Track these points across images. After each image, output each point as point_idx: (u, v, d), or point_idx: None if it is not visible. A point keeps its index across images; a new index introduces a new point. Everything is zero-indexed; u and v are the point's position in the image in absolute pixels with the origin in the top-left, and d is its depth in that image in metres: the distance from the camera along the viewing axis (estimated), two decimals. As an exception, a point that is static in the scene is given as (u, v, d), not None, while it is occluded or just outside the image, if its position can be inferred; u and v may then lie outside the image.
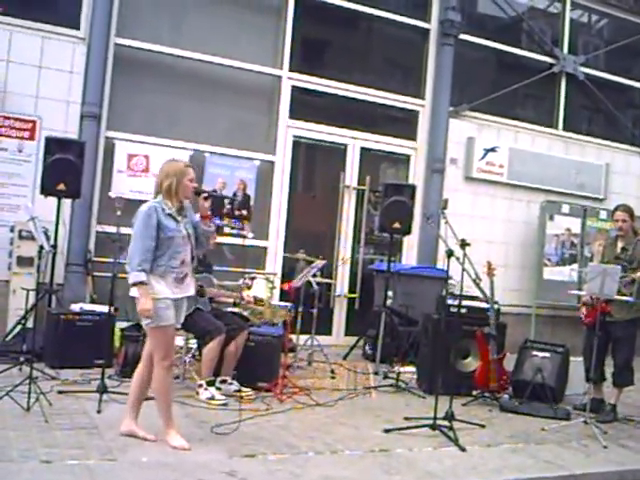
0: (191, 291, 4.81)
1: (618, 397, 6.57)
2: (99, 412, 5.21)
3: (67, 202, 7.48)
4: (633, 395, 7.25)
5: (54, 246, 6.91)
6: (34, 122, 7.93)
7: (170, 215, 4.64)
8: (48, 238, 6.97)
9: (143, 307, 4.49)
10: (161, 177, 4.73)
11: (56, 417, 5.00)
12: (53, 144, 6.97)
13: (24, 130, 7.90)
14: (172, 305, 4.62)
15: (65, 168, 6.83)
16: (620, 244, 6.63)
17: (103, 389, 5.42)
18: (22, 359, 6.15)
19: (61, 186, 6.81)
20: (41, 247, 6.84)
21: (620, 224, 6.60)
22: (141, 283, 4.49)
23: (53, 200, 6.94)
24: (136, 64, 8.65)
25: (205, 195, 4.97)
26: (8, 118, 7.83)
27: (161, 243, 4.58)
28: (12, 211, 7.77)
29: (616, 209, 6.79)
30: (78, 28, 8.22)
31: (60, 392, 5.67)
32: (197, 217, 4.91)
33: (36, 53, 7.96)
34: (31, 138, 7.92)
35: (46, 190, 6.88)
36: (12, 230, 7.66)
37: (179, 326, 4.86)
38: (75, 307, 7.17)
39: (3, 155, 7.82)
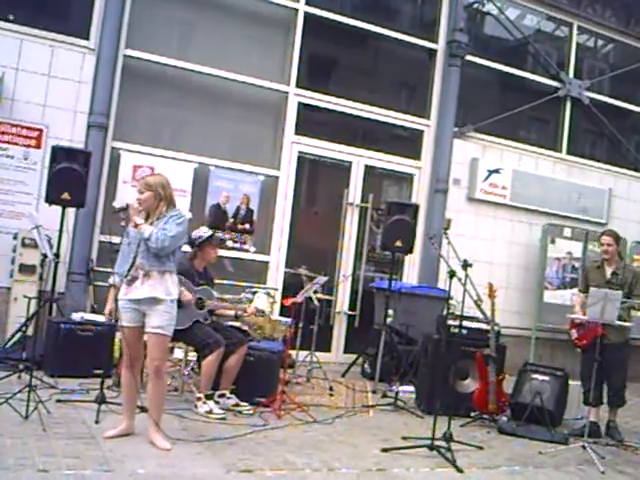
0: (138, 294, 4.81)
1: (615, 416, 6.68)
2: (97, 422, 5.20)
3: (71, 211, 7.50)
4: (631, 422, 7.23)
5: (57, 255, 6.92)
6: (41, 130, 7.98)
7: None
8: (51, 246, 6.99)
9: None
10: None
11: (54, 426, 5.00)
12: (59, 153, 6.97)
13: (31, 138, 7.94)
14: (127, 307, 4.88)
15: (70, 177, 6.84)
16: (609, 269, 6.75)
17: (101, 399, 5.41)
18: (21, 367, 6.17)
19: (66, 195, 6.81)
20: (44, 255, 6.85)
21: (605, 247, 6.75)
22: (111, 285, 5.20)
23: (57, 209, 6.95)
24: (144, 76, 8.71)
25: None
26: (15, 126, 7.87)
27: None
28: (16, 218, 7.80)
29: (602, 234, 6.98)
30: (88, 38, 8.27)
31: (59, 401, 5.66)
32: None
33: (45, 62, 8.01)
34: (37, 146, 7.96)
35: (51, 199, 6.88)
36: (15, 237, 7.67)
37: (162, 333, 4.85)
38: (76, 316, 7.17)
39: (9, 162, 7.86)
